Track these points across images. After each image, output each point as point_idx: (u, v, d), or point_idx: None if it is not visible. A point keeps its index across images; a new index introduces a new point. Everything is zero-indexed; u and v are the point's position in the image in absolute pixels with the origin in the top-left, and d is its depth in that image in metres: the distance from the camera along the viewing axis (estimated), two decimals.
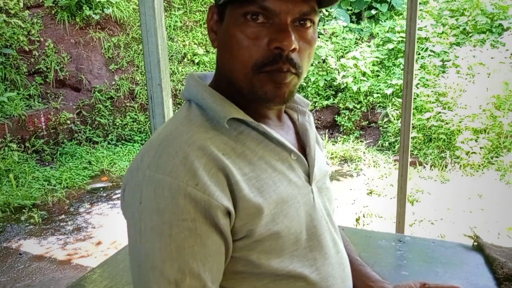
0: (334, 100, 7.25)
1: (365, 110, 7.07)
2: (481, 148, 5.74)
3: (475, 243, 1.70)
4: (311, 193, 0.89)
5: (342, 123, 7.11)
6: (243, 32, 0.78)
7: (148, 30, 1.99)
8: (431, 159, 6.00)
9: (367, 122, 7.12)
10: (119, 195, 5.41)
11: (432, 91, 6.52)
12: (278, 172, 0.83)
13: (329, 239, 0.90)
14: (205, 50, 7.74)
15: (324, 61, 7.30)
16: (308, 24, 0.81)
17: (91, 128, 7.04)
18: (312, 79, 7.21)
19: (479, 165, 5.68)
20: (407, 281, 0.93)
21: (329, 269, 0.88)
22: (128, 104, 7.31)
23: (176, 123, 0.82)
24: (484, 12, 7.06)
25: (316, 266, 0.86)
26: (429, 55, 6.94)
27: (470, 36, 7.00)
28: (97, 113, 7.08)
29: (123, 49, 7.44)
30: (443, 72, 6.72)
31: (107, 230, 4.56)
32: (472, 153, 5.75)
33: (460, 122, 6.03)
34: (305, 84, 7.42)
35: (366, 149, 6.64)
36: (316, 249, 0.86)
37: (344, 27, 7.84)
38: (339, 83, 7.13)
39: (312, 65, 7.30)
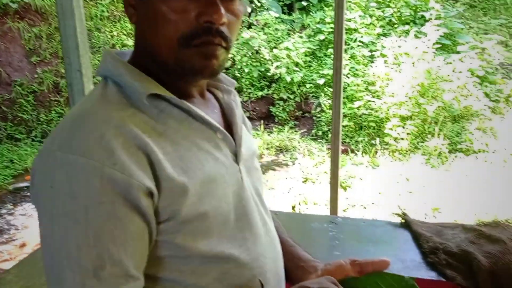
0: (268, 90, 7.28)
1: (299, 100, 7.17)
2: (407, 134, 6.00)
3: (403, 221, 1.74)
4: (239, 172, 0.86)
5: (277, 113, 7.17)
6: (169, 5, 0.74)
7: (64, 12, 1.85)
8: (362, 146, 6.20)
9: (301, 112, 7.23)
10: None
11: (361, 81, 6.73)
12: (204, 151, 0.79)
13: (258, 219, 0.88)
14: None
15: (257, 52, 7.31)
16: None
17: (12, 125, 6.58)
18: (246, 70, 7.20)
19: (406, 151, 5.95)
20: (338, 259, 0.92)
21: (260, 249, 0.86)
22: (53, 98, 6.90)
23: (91, 101, 0.76)
24: (408, 4, 7.38)
25: (246, 246, 0.83)
26: (358, 46, 7.15)
27: (396, 27, 7.29)
28: (18, 108, 6.63)
29: (46, 40, 7.01)
30: (372, 62, 6.95)
31: (32, 232, 4.28)
32: (400, 139, 6.00)
33: (388, 109, 6.27)
34: (239, 75, 7.39)
35: (300, 138, 6.74)
36: (246, 229, 0.84)
37: (276, 18, 7.88)
38: (272, 74, 7.17)
39: (245, 56, 7.29)
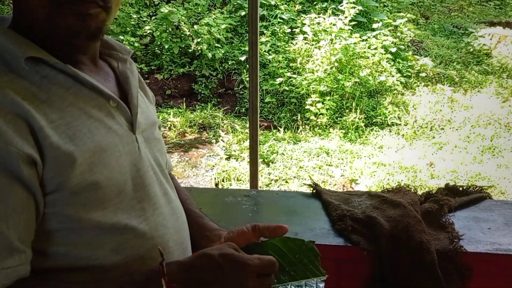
0: (190, 67, 7.14)
1: (221, 77, 7.11)
2: (327, 109, 6.18)
3: (314, 191, 1.78)
4: (135, 141, 0.84)
5: (200, 90, 7.06)
6: None
7: None
8: (284, 122, 6.30)
9: (223, 89, 7.17)
10: None
11: (282, 57, 6.80)
12: (94, 119, 0.76)
13: (158, 190, 0.87)
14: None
15: (177, 28, 7.11)
16: None
17: None
18: (166, 46, 6.99)
19: (326, 125, 6.14)
20: (241, 226, 0.94)
21: (160, 219, 0.85)
22: None
23: None
24: None
25: (145, 216, 0.82)
26: (279, 22, 7.19)
27: (315, 4, 7.42)
28: None
29: None
30: (292, 38, 7.04)
31: None
32: (319, 114, 6.17)
33: (308, 86, 6.40)
34: (159, 51, 7.16)
35: (223, 115, 6.71)
36: (144, 199, 0.83)
37: None
38: (194, 50, 7.03)
39: (165, 32, 7.06)
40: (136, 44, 6.90)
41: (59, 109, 0.73)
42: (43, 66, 0.74)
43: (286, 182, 4.86)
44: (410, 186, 1.65)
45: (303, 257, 0.85)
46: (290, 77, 6.56)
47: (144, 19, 7.40)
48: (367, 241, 1.40)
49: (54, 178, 0.70)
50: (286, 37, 7.04)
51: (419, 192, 1.68)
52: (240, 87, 6.96)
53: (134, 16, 7.23)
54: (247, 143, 5.73)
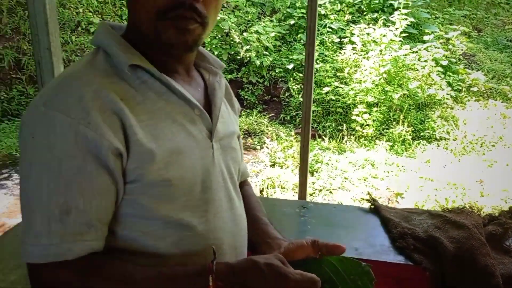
0: (237, 74, 7.25)
1: (268, 85, 7.18)
2: (373, 120, 6.13)
3: (372, 206, 1.80)
4: (211, 148, 0.91)
5: (246, 97, 7.16)
6: None
7: None
8: (329, 131, 6.29)
9: (269, 96, 7.24)
10: (6, 175, 4.96)
11: (330, 67, 6.79)
12: (177, 124, 0.85)
13: (223, 195, 0.93)
14: (101, 19, 7.26)
15: (227, 35, 7.24)
16: None
17: None
18: (216, 52, 7.13)
19: (372, 137, 6.08)
20: (301, 239, 0.95)
21: (219, 222, 0.91)
22: (14, 75, 6.63)
23: (78, 66, 0.83)
24: None
25: (207, 218, 0.88)
26: (328, 32, 7.20)
27: (365, 15, 7.37)
28: None
29: (7, 14, 6.70)
30: (340, 48, 7.02)
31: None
32: (366, 125, 6.12)
33: (355, 96, 6.37)
34: None
35: (269, 122, 6.77)
36: (209, 202, 0.89)
37: (246, 0, 7.81)
38: (242, 57, 7.13)
39: (215, 38, 7.20)
40: None
41: (149, 111, 0.82)
42: (143, 73, 0.84)
43: (330, 192, 4.85)
44: (473, 208, 1.64)
45: (357, 279, 0.85)
46: (337, 87, 6.55)
47: None
48: (430, 260, 1.40)
49: (135, 170, 0.79)
50: (335, 47, 7.03)
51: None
52: (286, 94, 7.00)
53: (216, 20, 7.42)
54: (291, 151, 5.76)
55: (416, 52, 6.63)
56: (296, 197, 3.45)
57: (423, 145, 5.86)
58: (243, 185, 1.19)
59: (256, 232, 1.04)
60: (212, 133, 0.91)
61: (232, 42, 7.18)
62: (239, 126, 1.14)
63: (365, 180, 5.05)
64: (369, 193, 1.87)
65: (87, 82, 0.77)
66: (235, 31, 7.18)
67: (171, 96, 0.86)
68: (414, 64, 6.48)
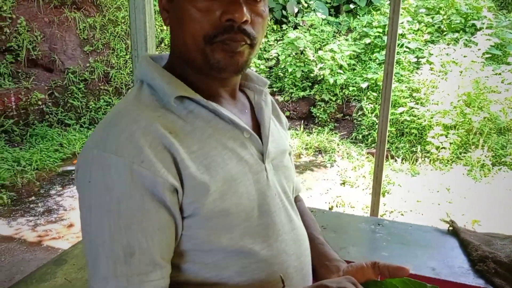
0: (310, 91, 7.31)
1: (340, 103, 7.17)
2: (450, 143, 5.91)
3: (451, 228, 1.77)
4: (264, 170, 0.89)
5: (318, 114, 7.19)
6: (194, 6, 0.79)
7: (136, 7, 1.96)
8: (402, 152, 6.14)
9: (341, 114, 7.22)
10: None
11: (406, 87, 6.66)
12: (228, 150, 0.83)
13: (283, 216, 0.91)
14: None
15: (302, 53, 7.34)
16: None
17: (63, 110, 6.88)
18: (289, 70, 7.25)
19: (448, 160, 5.86)
20: (360, 262, 0.92)
21: (282, 245, 0.89)
22: (102, 87, 7.18)
23: (125, 102, 0.82)
24: (459, 11, 7.24)
25: (268, 242, 0.86)
26: (404, 51, 7.08)
27: (445, 35, 7.17)
28: (70, 95, 6.92)
29: (99, 31, 7.29)
30: (417, 68, 6.87)
31: (79, 213, 4.48)
32: (442, 148, 5.91)
33: (431, 117, 6.19)
34: (282, 74, 7.45)
35: (340, 141, 6.74)
36: (269, 226, 0.87)
37: (322, 19, 7.89)
38: (316, 75, 7.19)
39: (289, 56, 7.34)
40: (261, 67, 7.26)
41: (199, 141, 0.80)
42: (189, 102, 0.83)
43: (402, 214, 4.73)
44: None
45: None
46: (413, 107, 6.40)
47: (271, 43, 7.76)
48: None
49: (191, 204, 0.78)
50: (411, 67, 6.90)
51: None
52: (359, 113, 6.95)
53: (262, 40, 7.62)
54: (362, 171, 5.70)
55: (500, 74, 6.34)
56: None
57: (504, 171, 5.55)
58: (296, 201, 1.17)
59: (313, 253, 1.01)
60: (264, 154, 0.89)
61: (306, 60, 7.27)
62: (289, 142, 1.12)
63: (439, 204, 4.87)
64: (447, 214, 1.84)
65: (136, 119, 0.76)
66: (310, 49, 7.27)
67: (219, 122, 0.84)
68: (497, 86, 6.19)
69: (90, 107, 7.03)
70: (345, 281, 0.77)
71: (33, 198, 4.87)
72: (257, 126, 0.93)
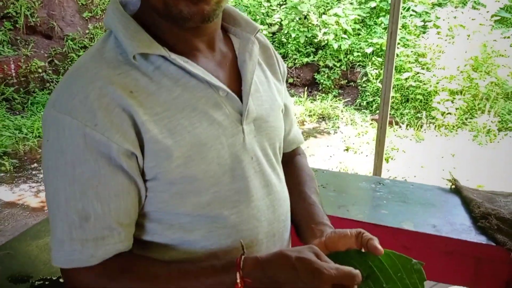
0: (314, 57, 7.18)
1: (345, 69, 7.05)
2: (456, 109, 5.82)
3: (453, 186, 1.73)
4: (241, 133, 0.82)
5: (322, 81, 7.08)
6: None
7: None
8: (407, 119, 6.07)
9: (346, 81, 7.11)
10: None
11: (411, 52, 6.53)
12: (198, 112, 0.76)
13: (258, 181, 0.85)
14: None
15: (305, 17, 7.18)
16: None
17: None
18: (293, 35, 7.11)
19: (454, 126, 5.79)
20: (345, 229, 0.84)
21: (254, 211, 0.84)
22: None
23: (86, 57, 0.76)
24: None
25: (239, 208, 0.82)
26: (411, 15, 6.90)
27: None
28: (70, 62, 6.83)
29: None
30: (424, 32, 6.71)
31: None
32: (447, 113, 5.83)
33: (437, 83, 6.08)
34: (285, 40, 7.30)
35: (344, 107, 6.66)
36: (241, 191, 0.82)
37: None
38: (319, 40, 7.05)
39: (293, 21, 7.17)
40: (264, 32, 7.11)
41: (165, 102, 0.74)
42: (156, 57, 0.75)
43: (406, 180, 4.70)
44: None
45: (405, 277, 0.77)
46: (418, 73, 6.28)
47: (274, 7, 7.58)
48: None
49: (153, 169, 0.74)
50: (418, 31, 6.73)
51: None
52: (363, 79, 6.84)
53: (265, 5, 7.45)
54: (366, 137, 5.64)
55: (508, 37, 6.17)
56: None
57: (510, 136, 5.47)
58: (295, 154, 1.11)
59: (301, 213, 0.96)
60: (243, 114, 0.81)
61: (310, 25, 7.11)
62: (284, 95, 1.00)
63: (443, 170, 4.83)
64: (450, 173, 1.80)
65: (93, 78, 0.71)
66: (313, 13, 7.10)
67: (190, 80, 0.77)
68: (505, 50, 6.04)
69: None
70: (306, 250, 0.72)
71: (35, 165, 4.87)
72: (239, 81, 0.84)
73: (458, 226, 1.48)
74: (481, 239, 1.40)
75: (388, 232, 1.49)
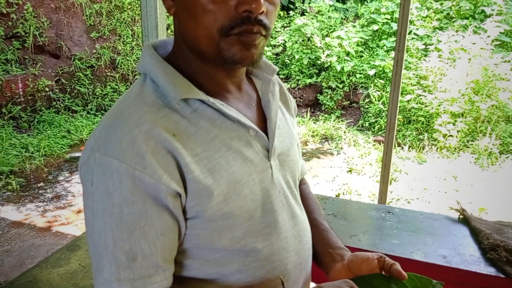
0: (317, 78, 7.27)
1: (347, 90, 7.13)
2: (458, 131, 5.88)
3: (461, 216, 1.77)
4: (269, 168, 0.88)
5: (324, 102, 7.16)
6: None
7: None
8: (409, 140, 6.13)
9: (348, 102, 7.19)
10: None
11: (413, 74, 6.62)
12: (233, 151, 0.82)
13: (285, 213, 0.90)
14: None
15: (309, 39, 7.29)
16: None
17: (70, 97, 6.90)
18: (296, 56, 7.21)
19: (455, 148, 5.84)
20: (366, 253, 0.92)
21: (283, 243, 0.89)
22: (109, 73, 7.17)
23: (128, 101, 0.80)
24: None
25: (270, 241, 0.86)
26: (413, 38, 7.01)
27: (453, 21, 7.09)
28: (76, 81, 6.92)
29: (105, 17, 7.25)
30: (425, 55, 6.81)
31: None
32: (449, 136, 5.89)
33: (439, 105, 6.15)
34: (289, 61, 7.40)
35: (346, 128, 6.73)
36: (272, 224, 0.87)
37: (330, 6, 7.82)
38: (323, 62, 7.15)
39: (296, 42, 7.29)
40: (268, 53, 7.22)
41: (203, 142, 0.79)
42: (194, 100, 0.81)
43: (409, 202, 4.73)
44: None
45: None
46: (420, 95, 6.36)
47: (278, 29, 7.70)
48: None
49: (195, 207, 0.78)
50: (419, 54, 6.84)
51: None
52: (366, 101, 6.92)
53: None
54: (369, 158, 5.69)
55: (509, 61, 6.27)
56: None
57: (511, 159, 5.53)
58: (301, 184, 1.16)
59: (317, 240, 1.01)
60: (270, 151, 0.88)
61: (313, 47, 7.22)
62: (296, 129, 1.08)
63: (446, 192, 4.87)
64: (458, 202, 1.84)
65: (138, 122, 0.75)
66: (317, 36, 7.22)
67: (224, 121, 0.82)
68: (506, 74, 6.14)
69: (97, 93, 7.04)
70: (344, 285, 0.77)
71: (41, 184, 4.91)
72: (264, 119, 0.91)
73: (468, 257, 1.52)
74: (490, 270, 1.44)
75: (399, 262, 1.53)
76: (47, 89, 6.62)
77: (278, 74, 7.33)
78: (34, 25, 6.71)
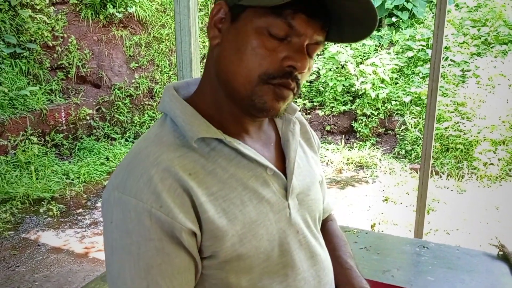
0: (351, 106, 7.24)
1: (383, 117, 7.06)
2: (499, 159, 5.69)
3: (500, 253, 1.71)
4: (287, 208, 0.87)
5: (359, 129, 7.10)
6: (262, 41, 0.77)
7: (182, 29, 2.03)
8: (447, 168, 5.97)
9: (384, 129, 7.11)
10: None
11: (451, 101, 6.49)
12: (249, 190, 0.82)
13: (303, 254, 0.89)
14: None
15: (343, 67, 7.31)
16: (314, 52, 0.82)
17: (109, 125, 7.13)
18: (330, 84, 7.22)
19: (497, 177, 5.64)
20: None
21: (301, 284, 0.87)
22: (146, 102, 7.39)
23: (147, 141, 0.82)
24: (507, 23, 7.01)
25: (287, 282, 0.85)
26: (449, 65, 6.91)
27: (492, 47, 6.96)
28: (116, 110, 7.17)
29: (144, 48, 7.52)
30: (463, 82, 6.68)
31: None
32: (490, 164, 5.70)
33: (478, 133, 5.99)
34: (322, 89, 7.42)
35: (382, 156, 6.63)
36: (289, 265, 0.86)
37: None
38: (357, 89, 7.13)
39: (330, 70, 7.31)
40: None
41: (219, 181, 0.80)
42: (212, 139, 0.82)
43: (447, 234, 4.58)
44: None
45: None
46: (458, 122, 6.22)
47: None
48: None
49: (210, 247, 0.78)
50: (456, 80, 6.72)
51: None
52: (402, 128, 6.82)
53: None
54: (406, 187, 5.57)
55: None
56: (409, 235, 3.33)
57: None
58: (327, 221, 1.15)
59: (339, 278, 0.99)
60: (288, 190, 0.87)
61: (347, 74, 7.22)
62: (319, 166, 1.06)
63: (487, 223, 4.69)
64: (497, 238, 1.78)
65: (155, 161, 0.77)
66: (351, 63, 7.22)
67: (241, 160, 0.83)
68: None
69: (135, 121, 7.25)
70: None
71: (80, 210, 5.05)
72: (283, 159, 0.91)
73: None
74: None
75: None
76: (88, 117, 6.87)
77: (311, 101, 7.37)
78: (77, 56, 7.03)
